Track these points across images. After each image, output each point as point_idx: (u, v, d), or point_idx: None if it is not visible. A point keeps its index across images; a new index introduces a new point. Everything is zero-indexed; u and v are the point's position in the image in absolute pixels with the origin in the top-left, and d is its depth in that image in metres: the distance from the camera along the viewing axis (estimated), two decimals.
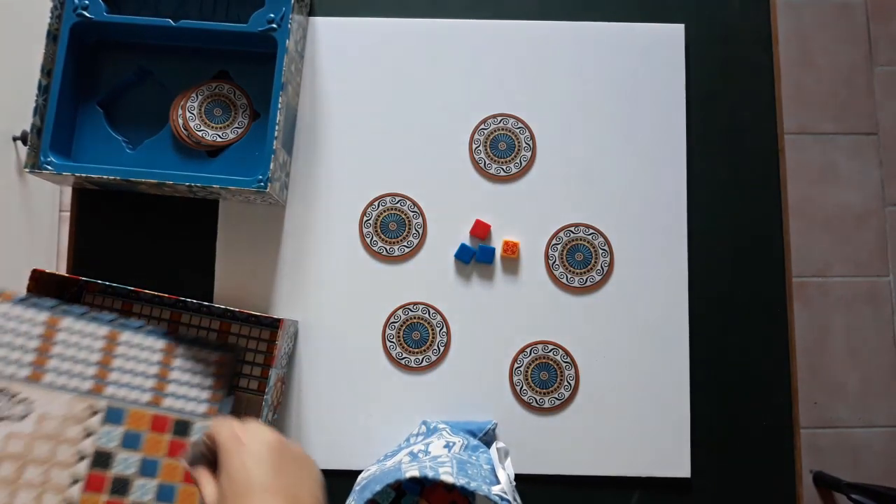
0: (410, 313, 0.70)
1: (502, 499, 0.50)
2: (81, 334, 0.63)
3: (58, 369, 0.61)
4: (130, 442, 0.61)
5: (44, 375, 0.61)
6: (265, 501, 0.44)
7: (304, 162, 0.72)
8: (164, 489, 0.61)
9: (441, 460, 0.53)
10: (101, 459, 0.60)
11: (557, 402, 0.69)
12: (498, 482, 0.53)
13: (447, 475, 0.50)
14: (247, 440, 0.47)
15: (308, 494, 0.47)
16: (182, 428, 0.63)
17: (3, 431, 0.59)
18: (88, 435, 0.61)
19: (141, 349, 0.64)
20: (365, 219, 0.71)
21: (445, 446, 0.58)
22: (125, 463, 0.61)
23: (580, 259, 0.71)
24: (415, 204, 0.72)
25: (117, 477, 0.60)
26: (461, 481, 0.49)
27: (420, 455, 0.57)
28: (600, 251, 0.71)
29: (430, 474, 0.50)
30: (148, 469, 0.61)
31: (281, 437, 0.49)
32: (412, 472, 0.51)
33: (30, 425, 0.59)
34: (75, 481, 0.59)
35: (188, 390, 0.64)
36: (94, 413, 0.61)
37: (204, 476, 0.48)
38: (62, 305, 0.63)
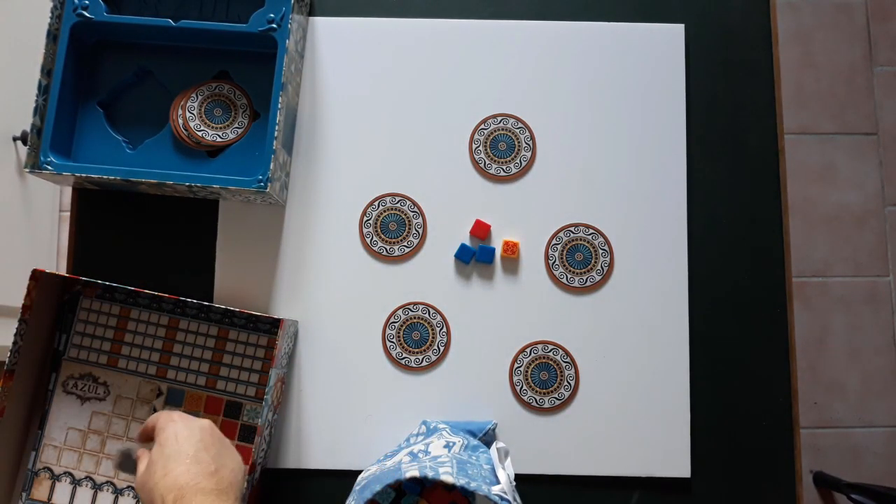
0: (410, 313, 0.70)
1: (502, 499, 0.50)
2: (147, 323, 0.69)
3: (129, 355, 0.69)
4: None
5: (118, 361, 0.69)
6: (188, 468, 0.50)
7: (304, 162, 0.72)
8: None
9: (441, 460, 0.53)
10: None
11: (557, 402, 0.69)
12: (498, 482, 0.53)
13: (447, 475, 0.50)
14: (180, 419, 0.54)
15: (229, 472, 0.52)
16: (233, 409, 0.67)
17: (89, 409, 0.68)
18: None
19: (197, 335, 0.69)
20: (365, 219, 0.71)
21: (445, 446, 0.58)
22: None
23: (580, 259, 0.71)
24: (415, 204, 0.72)
25: None
26: (461, 481, 0.49)
27: (420, 455, 0.57)
28: (600, 251, 0.71)
29: (430, 474, 0.50)
30: None
31: (213, 424, 0.56)
32: (412, 472, 0.51)
33: (109, 405, 0.68)
34: None
35: (239, 373, 0.68)
36: (159, 395, 0.68)
37: (142, 453, 0.55)
38: (129, 296, 0.70)
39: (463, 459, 0.54)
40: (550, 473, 0.68)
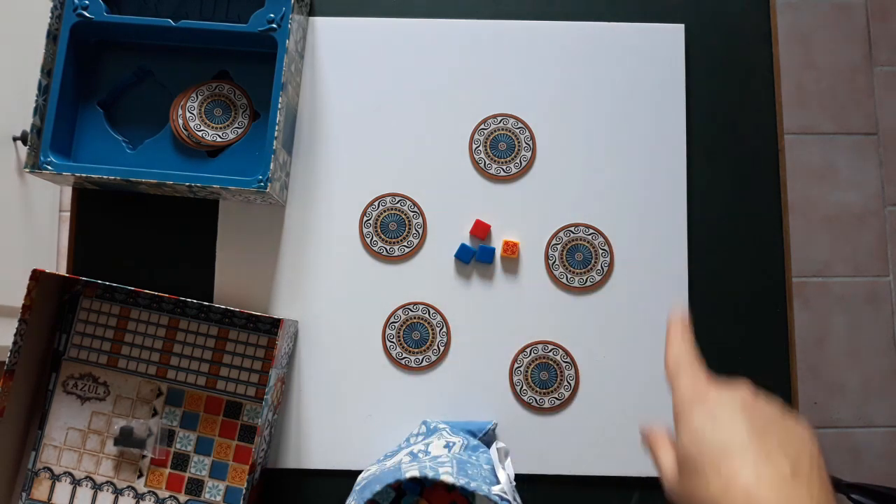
0: (410, 313, 0.70)
1: (502, 499, 0.50)
2: (147, 323, 0.69)
3: (129, 355, 0.69)
4: (188, 422, 0.67)
5: (118, 361, 0.69)
6: (753, 463, 0.33)
7: (304, 162, 0.72)
8: (217, 466, 0.66)
9: (441, 460, 0.53)
10: (165, 437, 0.67)
11: (557, 402, 0.69)
12: (498, 482, 0.53)
13: (447, 475, 0.50)
14: (713, 392, 0.37)
15: (807, 458, 0.34)
16: (233, 409, 0.67)
17: (89, 409, 0.68)
18: (154, 414, 0.68)
19: (197, 335, 0.69)
20: (365, 219, 0.71)
21: (445, 446, 0.58)
22: (184, 440, 0.67)
23: (580, 259, 0.71)
24: (415, 204, 0.72)
25: (178, 453, 0.67)
26: (461, 481, 0.49)
27: (420, 455, 0.58)
28: (600, 251, 0.71)
29: (430, 474, 0.50)
30: (203, 447, 0.67)
31: (755, 394, 0.38)
32: (412, 472, 0.51)
33: (109, 405, 0.68)
34: (144, 455, 0.67)
35: (239, 373, 0.68)
36: (159, 395, 0.68)
37: (658, 440, 0.39)
38: (129, 296, 0.70)
39: (463, 459, 0.54)
40: (550, 473, 0.68)
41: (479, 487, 0.49)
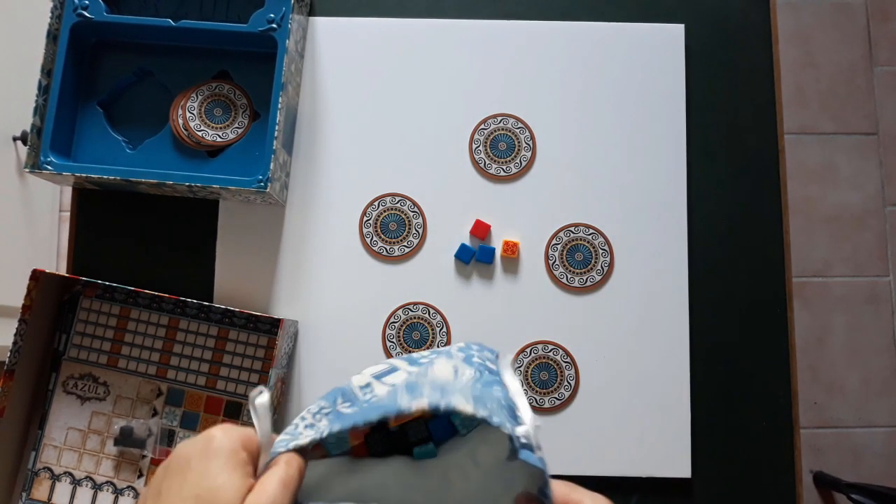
0: (410, 313, 0.70)
1: (523, 445, 0.38)
2: (147, 323, 0.69)
3: (129, 355, 0.69)
4: (188, 422, 0.67)
5: (118, 361, 0.69)
6: None
7: (304, 162, 0.72)
8: None
9: (450, 383, 0.39)
10: (165, 437, 0.67)
11: (557, 402, 0.69)
12: (519, 422, 0.39)
13: (463, 404, 0.36)
14: None
15: None
16: (233, 409, 0.67)
17: (89, 409, 0.68)
18: (154, 414, 0.68)
19: (197, 335, 0.69)
20: (365, 219, 0.71)
21: (454, 371, 0.41)
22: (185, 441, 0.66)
23: (580, 259, 0.71)
24: (415, 204, 0.72)
25: None
26: (481, 412, 0.36)
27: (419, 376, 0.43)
28: (600, 251, 0.71)
29: (443, 404, 0.36)
30: None
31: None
32: (419, 403, 0.36)
33: (109, 405, 0.68)
34: (144, 455, 0.67)
35: (239, 373, 0.68)
36: (159, 395, 0.68)
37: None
38: (129, 296, 0.70)
39: (479, 388, 0.40)
40: (550, 474, 0.68)
41: (502, 423, 0.37)
